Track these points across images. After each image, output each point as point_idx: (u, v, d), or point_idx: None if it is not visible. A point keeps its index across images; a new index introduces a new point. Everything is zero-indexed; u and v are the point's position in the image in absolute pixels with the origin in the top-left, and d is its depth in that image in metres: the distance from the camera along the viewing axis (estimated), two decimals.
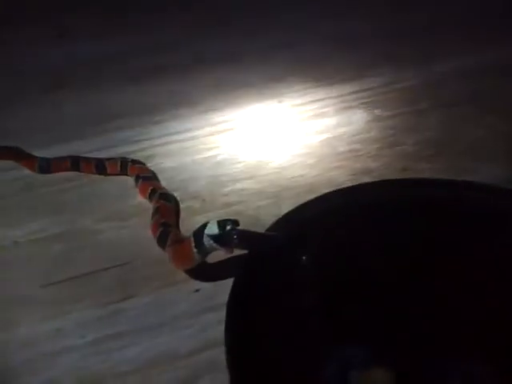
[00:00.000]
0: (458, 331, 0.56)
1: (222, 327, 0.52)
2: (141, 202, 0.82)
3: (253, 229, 0.62)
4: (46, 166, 0.90)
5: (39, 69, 1.22)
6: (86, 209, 0.82)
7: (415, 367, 0.54)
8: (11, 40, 1.34)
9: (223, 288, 0.65)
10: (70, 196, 0.85)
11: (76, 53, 1.28)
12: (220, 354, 0.57)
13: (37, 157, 0.91)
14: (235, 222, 0.62)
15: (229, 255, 0.64)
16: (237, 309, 0.54)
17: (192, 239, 0.63)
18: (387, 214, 0.67)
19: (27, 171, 0.90)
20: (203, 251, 0.63)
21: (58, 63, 1.24)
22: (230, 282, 0.63)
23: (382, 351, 0.55)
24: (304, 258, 0.60)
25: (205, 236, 0.62)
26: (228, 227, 0.61)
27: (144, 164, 0.89)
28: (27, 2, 1.49)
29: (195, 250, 0.63)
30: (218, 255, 0.65)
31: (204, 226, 0.63)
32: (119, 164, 0.87)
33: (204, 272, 0.67)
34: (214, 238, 0.62)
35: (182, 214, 0.79)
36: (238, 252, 0.62)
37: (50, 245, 0.75)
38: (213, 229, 0.62)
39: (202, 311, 0.64)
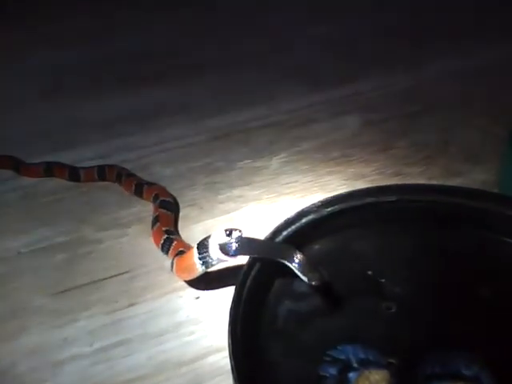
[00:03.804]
0: (458, 331, 0.58)
1: (224, 333, 0.55)
2: (140, 209, 0.83)
3: (251, 235, 0.64)
4: (49, 170, 0.91)
5: (37, 73, 1.22)
6: (86, 217, 0.83)
7: (413, 367, 0.56)
8: (7, 43, 1.34)
9: (223, 295, 0.67)
10: (69, 205, 0.86)
11: (76, 57, 1.28)
12: (223, 358, 0.59)
13: (35, 162, 0.92)
14: (239, 231, 0.63)
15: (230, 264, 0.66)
16: (239, 313, 0.57)
17: (196, 250, 0.64)
18: (383, 219, 0.69)
19: (26, 181, 0.91)
20: (207, 263, 0.64)
21: (57, 68, 1.24)
22: (228, 289, 0.67)
23: (381, 353, 0.57)
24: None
25: (210, 246, 0.62)
26: (234, 236, 0.62)
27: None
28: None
29: (199, 262, 0.64)
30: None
31: (208, 237, 0.63)
32: (115, 173, 0.89)
33: (203, 280, 0.69)
34: (220, 247, 0.62)
35: (180, 222, 0.81)
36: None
37: (54, 254, 0.77)
38: (219, 238, 0.62)
39: (204, 317, 0.66)
